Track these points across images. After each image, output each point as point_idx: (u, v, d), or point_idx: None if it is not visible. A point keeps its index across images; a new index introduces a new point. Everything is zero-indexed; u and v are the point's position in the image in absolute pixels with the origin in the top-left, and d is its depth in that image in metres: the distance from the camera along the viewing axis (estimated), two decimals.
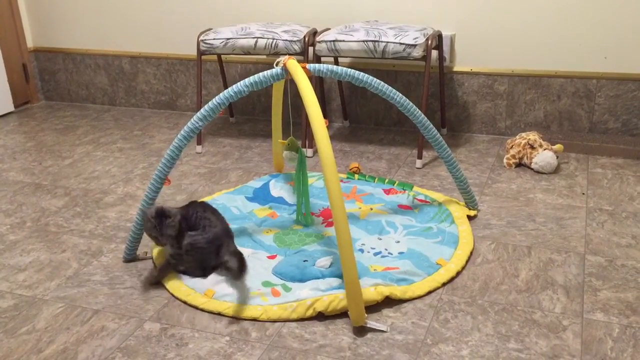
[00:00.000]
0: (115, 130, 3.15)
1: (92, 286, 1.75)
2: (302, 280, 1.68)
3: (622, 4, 2.55)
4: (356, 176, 2.41)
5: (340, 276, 1.65)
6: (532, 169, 2.47)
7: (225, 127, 3.14)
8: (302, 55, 2.65)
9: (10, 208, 2.27)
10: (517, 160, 2.50)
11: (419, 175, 2.46)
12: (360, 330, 1.51)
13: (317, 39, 2.57)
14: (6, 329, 1.56)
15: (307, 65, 1.72)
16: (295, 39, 2.62)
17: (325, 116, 1.74)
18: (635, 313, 1.55)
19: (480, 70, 2.83)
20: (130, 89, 3.52)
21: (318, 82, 2.87)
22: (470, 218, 2.07)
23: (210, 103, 1.72)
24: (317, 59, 2.63)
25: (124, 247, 1.89)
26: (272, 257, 1.82)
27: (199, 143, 2.82)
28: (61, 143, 2.98)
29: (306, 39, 2.64)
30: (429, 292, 1.67)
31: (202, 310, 1.61)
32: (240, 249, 1.75)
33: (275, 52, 2.65)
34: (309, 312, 1.56)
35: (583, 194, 2.25)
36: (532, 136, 2.48)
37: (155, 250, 1.88)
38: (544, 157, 2.42)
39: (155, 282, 1.74)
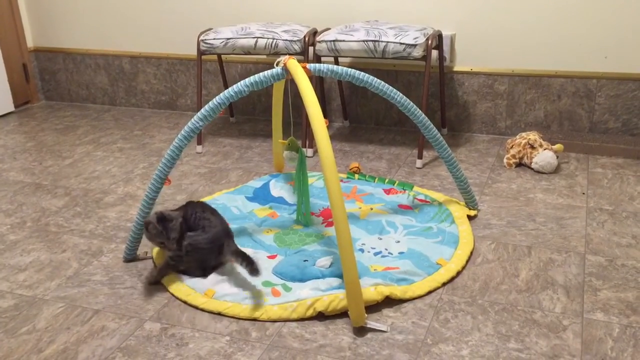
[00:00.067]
0: (115, 130, 3.16)
1: (92, 286, 1.75)
2: (302, 280, 1.68)
3: (622, 4, 2.55)
4: (356, 176, 2.41)
5: (340, 276, 1.65)
6: (532, 168, 2.47)
7: (225, 127, 3.14)
8: (303, 55, 2.65)
9: (11, 208, 2.27)
10: (518, 160, 2.50)
11: (419, 175, 2.46)
12: (361, 330, 1.51)
13: (317, 38, 2.57)
14: (6, 329, 1.56)
15: (308, 65, 1.72)
16: (295, 38, 2.62)
17: (325, 116, 1.74)
18: (636, 313, 1.55)
19: (481, 70, 2.83)
20: (131, 89, 3.52)
21: (318, 82, 2.87)
22: (470, 218, 2.07)
23: (210, 103, 1.72)
24: (318, 58, 2.63)
25: (124, 247, 1.89)
26: (272, 257, 1.82)
27: (199, 143, 2.82)
28: (61, 143, 2.98)
29: (306, 38, 2.64)
30: (429, 292, 1.67)
31: (203, 310, 1.61)
32: (241, 249, 1.75)
33: (275, 52, 2.65)
34: (309, 312, 1.57)
35: (583, 193, 2.25)
36: (533, 136, 2.48)
37: (155, 251, 1.88)
38: (544, 157, 2.42)
39: (155, 282, 1.74)
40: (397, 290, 1.62)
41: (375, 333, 1.50)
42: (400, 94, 1.87)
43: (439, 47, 2.70)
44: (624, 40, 2.60)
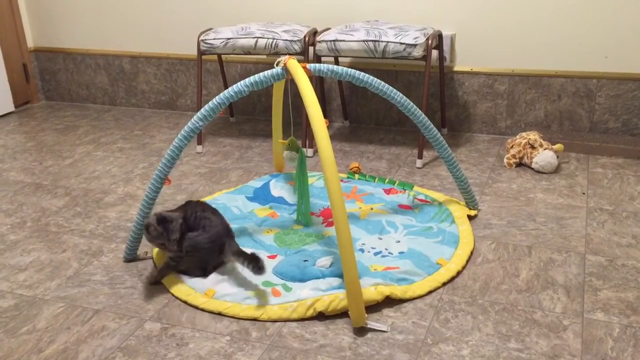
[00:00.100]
0: (115, 130, 3.16)
1: (92, 286, 1.75)
2: (302, 280, 1.68)
3: (622, 4, 2.55)
4: (356, 176, 2.41)
5: (340, 276, 1.65)
6: (532, 168, 2.47)
7: (225, 127, 3.14)
8: (303, 55, 2.65)
9: (11, 208, 2.27)
10: (518, 160, 2.50)
11: (419, 175, 2.46)
12: (361, 330, 1.51)
13: (318, 38, 2.57)
14: (7, 329, 1.56)
15: (308, 65, 1.72)
16: (295, 38, 2.62)
17: (325, 116, 1.74)
18: (636, 313, 1.55)
19: (481, 70, 2.83)
20: (131, 89, 3.52)
21: (318, 82, 2.87)
22: (470, 218, 2.07)
23: (210, 103, 1.72)
24: (318, 58, 2.63)
25: (125, 247, 1.89)
26: (272, 257, 1.82)
27: (199, 143, 2.82)
28: (61, 143, 2.98)
29: (306, 38, 2.64)
30: (430, 292, 1.67)
31: (203, 310, 1.61)
32: (242, 248, 1.74)
33: (275, 52, 2.65)
34: (310, 312, 1.57)
35: (583, 193, 2.25)
36: (533, 136, 2.48)
37: (155, 251, 1.88)
38: (545, 156, 2.42)
39: (155, 282, 1.74)
40: (398, 290, 1.62)
41: (375, 333, 1.50)
42: (400, 94, 1.87)
43: (439, 47, 2.70)
44: (624, 40, 2.60)
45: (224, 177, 2.50)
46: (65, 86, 3.67)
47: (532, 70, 2.76)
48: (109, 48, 3.49)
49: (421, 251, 1.82)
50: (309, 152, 2.68)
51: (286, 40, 2.62)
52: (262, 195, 2.25)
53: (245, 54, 2.70)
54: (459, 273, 1.75)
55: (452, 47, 2.83)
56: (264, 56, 3.10)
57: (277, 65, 1.73)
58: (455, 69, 2.86)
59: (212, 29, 2.79)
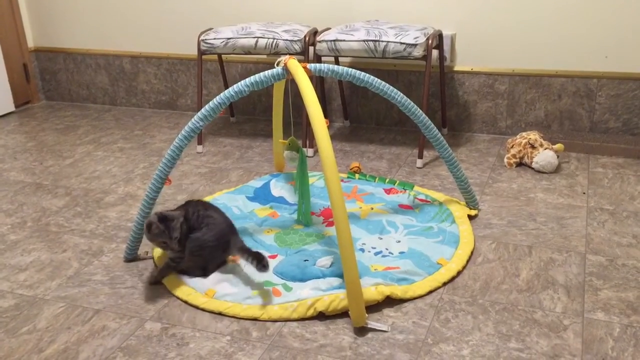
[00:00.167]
0: (116, 130, 3.16)
1: (93, 286, 1.75)
2: (302, 279, 1.68)
3: (622, 4, 2.55)
4: (357, 176, 2.41)
5: (341, 276, 1.65)
6: (532, 168, 2.47)
7: (225, 127, 3.14)
8: (303, 54, 2.65)
9: (11, 208, 2.27)
10: (518, 160, 2.50)
11: (419, 175, 2.46)
12: (361, 330, 1.51)
13: (318, 38, 2.57)
14: (7, 329, 1.56)
15: (308, 65, 1.72)
16: (295, 38, 2.62)
17: (325, 116, 1.74)
18: (636, 312, 1.55)
19: (481, 69, 2.83)
20: (131, 89, 3.52)
21: (319, 81, 2.87)
22: (470, 218, 2.07)
23: (210, 103, 1.72)
24: (318, 58, 2.63)
25: (125, 247, 1.89)
26: (272, 257, 1.82)
27: (199, 143, 2.82)
28: (62, 143, 2.98)
29: (307, 38, 2.64)
30: (430, 292, 1.67)
31: (203, 309, 1.61)
32: (246, 245, 1.74)
33: (275, 52, 2.65)
34: (310, 312, 1.57)
35: (584, 193, 2.25)
36: (533, 136, 2.48)
37: (157, 252, 1.88)
38: (545, 156, 2.42)
39: (156, 282, 1.74)
40: (398, 290, 1.62)
41: (375, 333, 1.50)
42: (401, 94, 1.87)
43: (440, 46, 2.70)
44: (624, 39, 2.60)
45: (225, 177, 2.50)
46: (66, 86, 3.67)
47: (532, 70, 2.76)
48: (109, 48, 3.49)
49: (421, 251, 1.82)
50: (310, 152, 2.68)
51: (286, 40, 2.62)
52: (262, 195, 2.25)
53: (246, 54, 2.70)
54: (459, 273, 1.75)
55: (452, 46, 2.83)
56: (265, 56, 3.10)
57: (277, 65, 1.73)
58: (456, 68, 2.86)
59: (212, 28, 2.79)
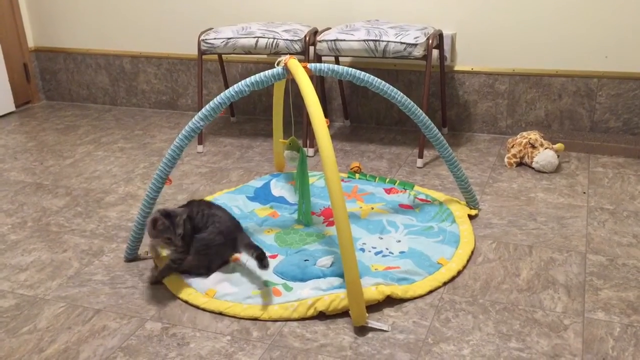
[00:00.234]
0: (116, 130, 3.16)
1: (93, 286, 1.75)
2: (303, 279, 1.68)
3: (622, 3, 2.55)
4: (357, 175, 2.41)
5: (341, 275, 1.65)
6: (533, 168, 2.47)
7: (226, 127, 3.14)
8: (303, 54, 2.65)
9: (12, 208, 2.27)
10: (518, 160, 2.50)
11: (419, 175, 2.46)
12: (362, 330, 1.51)
13: (318, 38, 2.57)
14: (8, 329, 1.56)
15: (308, 65, 1.72)
16: (296, 38, 2.62)
17: (326, 115, 1.74)
18: (637, 312, 1.55)
19: (481, 69, 2.83)
20: (131, 89, 3.52)
21: (319, 81, 2.87)
22: (471, 217, 2.07)
23: (211, 103, 1.72)
24: (318, 58, 2.63)
25: (125, 247, 1.89)
26: (273, 257, 1.82)
27: (200, 143, 2.82)
28: (62, 143, 2.98)
29: (307, 38, 2.64)
30: (430, 292, 1.67)
31: (204, 309, 1.61)
32: (253, 241, 1.74)
33: (276, 52, 2.65)
34: (310, 312, 1.57)
35: (584, 193, 2.25)
36: (533, 135, 2.48)
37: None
38: (545, 156, 2.42)
39: (156, 282, 1.74)
40: (398, 290, 1.62)
41: (376, 332, 1.50)
42: (401, 94, 1.87)
43: (440, 46, 2.70)
44: (624, 39, 2.60)
45: (225, 176, 2.50)
46: (66, 86, 3.67)
47: (532, 69, 2.76)
48: (109, 48, 3.49)
49: (422, 251, 1.82)
50: (310, 151, 2.68)
51: (287, 39, 2.62)
52: (262, 195, 2.25)
53: (246, 54, 2.70)
54: (459, 272, 1.75)
55: (452, 46, 2.83)
56: (265, 56, 3.10)
57: (277, 64, 1.73)
58: (456, 68, 2.86)
59: (212, 28, 2.79)
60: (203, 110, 1.72)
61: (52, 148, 2.91)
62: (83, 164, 2.69)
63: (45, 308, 1.65)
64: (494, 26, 2.75)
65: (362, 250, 1.85)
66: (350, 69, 1.79)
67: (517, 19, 2.71)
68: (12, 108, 3.50)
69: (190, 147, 2.83)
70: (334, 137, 2.92)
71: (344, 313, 1.57)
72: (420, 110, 1.91)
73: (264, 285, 1.67)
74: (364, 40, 2.48)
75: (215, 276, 1.72)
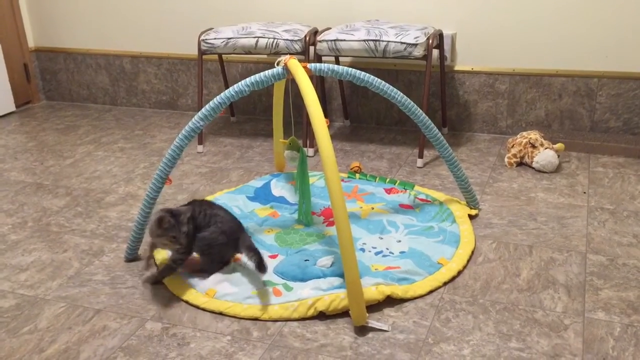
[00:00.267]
0: (116, 130, 3.16)
1: (93, 286, 1.75)
2: (303, 279, 1.68)
3: (622, 3, 2.55)
4: (357, 175, 2.41)
5: (341, 275, 1.65)
6: (533, 168, 2.47)
7: (226, 127, 3.14)
8: (303, 54, 2.65)
9: (12, 208, 2.27)
10: (518, 159, 2.50)
11: (420, 175, 2.46)
12: (362, 330, 1.51)
13: (318, 38, 2.57)
14: (8, 329, 1.56)
15: (308, 65, 1.72)
16: (296, 38, 2.62)
17: (326, 115, 1.74)
18: (637, 312, 1.55)
19: (481, 69, 2.83)
20: (132, 89, 3.53)
21: (319, 81, 2.87)
22: (471, 217, 2.07)
23: (211, 102, 1.72)
24: (318, 58, 2.63)
25: (126, 247, 1.89)
26: (273, 257, 1.82)
27: (200, 142, 2.82)
28: (62, 143, 2.98)
29: (307, 38, 2.64)
30: (430, 292, 1.67)
31: (204, 309, 1.62)
32: (254, 244, 1.74)
33: (276, 52, 2.65)
34: (310, 312, 1.57)
35: (584, 193, 2.25)
36: (534, 135, 2.48)
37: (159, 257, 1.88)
38: (545, 156, 2.42)
39: (156, 282, 1.74)
40: (398, 290, 1.62)
41: (376, 332, 1.50)
42: (401, 94, 1.87)
43: (440, 46, 2.70)
44: (624, 39, 2.60)
45: (225, 176, 2.50)
46: (66, 86, 3.67)
47: (532, 69, 2.76)
48: (109, 48, 3.49)
49: (422, 251, 1.82)
50: (310, 151, 2.68)
51: (287, 39, 2.62)
52: (263, 195, 2.25)
53: (246, 54, 2.70)
54: (459, 272, 1.75)
55: (452, 46, 2.82)
56: (265, 56, 3.10)
57: (277, 64, 1.73)
58: (456, 68, 2.86)
59: (212, 28, 2.79)
60: (203, 110, 1.72)
61: (52, 148, 2.91)
62: (83, 164, 2.69)
63: (45, 308, 1.65)
64: (494, 26, 2.75)
65: (363, 250, 1.85)
66: (350, 69, 1.79)
67: (517, 19, 2.70)
68: (13, 108, 3.50)
69: (191, 147, 2.83)
70: (334, 137, 2.92)
71: (344, 313, 1.57)
72: (421, 110, 1.91)
73: (264, 285, 1.67)
74: (364, 40, 2.48)
75: (216, 276, 1.71)
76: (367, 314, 1.52)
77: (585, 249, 1.86)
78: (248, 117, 3.29)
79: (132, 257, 1.87)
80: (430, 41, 2.48)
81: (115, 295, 1.70)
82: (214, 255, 1.71)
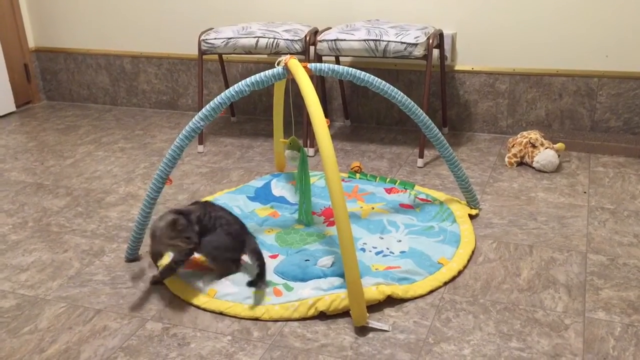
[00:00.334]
0: (116, 130, 3.16)
1: (94, 286, 1.75)
2: (303, 279, 1.68)
3: (622, 3, 2.55)
4: (357, 175, 2.41)
5: (342, 275, 1.65)
6: (533, 167, 2.47)
7: (226, 127, 3.14)
8: (303, 54, 2.65)
9: (12, 208, 2.27)
10: (519, 159, 2.50)
11: (420, 174, 2.46)
12: (362, 330, 1.51)
13: (318, 38, 2.57)
14: (9, 329, 1.56)
15: (309, 65, 1.72)
16: (296, 38, 2.62)
17: (326, 115, 1.74)
18: (637, 312, 1.55)
19: (482, 69, 2.83)
20: (132, 89, 3.53)
21: (319, 81, 2.87)
22: (471, 217, 2.07)
23: (211, 103, 1.72)
24: (319, 58, 2.63)
25: (126, 247, 1.89)
26: (273, 257, 1.82)
27: (200, 142, 2.82)
28: (63, 143, 2.98)
29: (307, 38, 2.64)
30: (431, 291, 1.67)
31: (204, 309, 1.62)
32: (259, 248, 1.73)
33: (276, 52, 2.65)
34: (311, 312, 1.57)
35: (585, 192, 2.25)
36: (534, 135, 2.48)
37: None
38: (546, 155, 2.42)
39: (156, 282, 1.74)
40: (399, 290, 1.62)
41: (376, 332, 1.50)
42: (401, 93, 1.87)
43: (440, 46, 2.70)
44: (625, 39, 2.60)
45: (225, 176, 2.50)
46: (67, 86, 3.67)
47: (533, 69, 2.76)
48: (109, 48, 3.49)
49: (422, 250, 1.82)
50: (310, 151, 2.68)
51: (287, 39, 2.62)
52: (263, 195, 2.25)
53: (246, 54, 2.70)
54: (460, 272, 1.75)
55: (453, 46, 2.82)
56: (265, 56, 3.10)
57: (278, 64, 1.73)
58: (456, 68, 2.86)
59: (212, 28, 2.79)
60: (203, 110, 1.72)
61: (52, 148, 2.91)
62: (84, 164, 2.69)
63: (46, 308, 1.65)
64: (495, 26, 2.75)
65: (363, 250, 1.85)
66: (351, 68, 1.79)
67: (517, 19, 2.70)
68: (13, 108, 3.50)
69: (191, 147, 2.83)
70: (334, 137, 2.92)
71: (344, 313, 1.57)
72: (421, 110, 1.91)
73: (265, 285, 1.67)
74: (365, 40, 2.48)
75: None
76: (368, 314, 1.52)
77: (585, 248, 1.86)
78: (248, 117, 3.29)
79: (132, 257, 1.87)
80: (431, 41, 2.48)
81: (115, 296, 1.70)
82: (224, 258, 1.70)
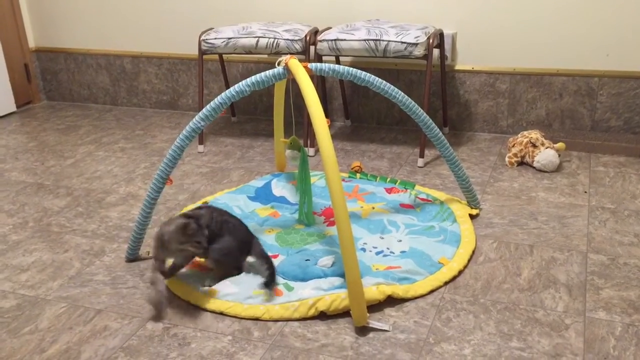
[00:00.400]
0: (117, 130, 3.16)
1: (94, 286, 1.75)
2: (304, 279, 1.68)
3: (623, 3, 2.55)
4: (358, 175, 2.41)
5: (342, 275, 1.65)
6: (534, 167, 2.47)
7: (227, 127, 3.14)
8: (304, 54, 2.65)
9: (13, 208, 2.27)
10: (519, 159, 2.50)
11: (420, 174, 2.46)
12: (363, 330, 1.51)
13: (319, 38, 2.57)
14: (9, 329, 1.56)
15: (309, 65, 1.72)
16: (296, 38, 2.62)
17: (327, 115, 1.73)
18: (638, 311, 1.55)
19: (482, 68, 2.83)
20: (132, 89, 3.53)
21: (320, 81, 2.87)
22: (472, 217, 2.07)
23: (212, 103, 1.72)
24: (319, 58, 2.62)
25: (126, 247, 1.89)
26: (274, 257, 1.82)
27: (200, 142, 2.82)
28: (63, 143, 2.98)
29: (307, 38, 2.63)
30: (431, 291, 1.67)
31: (205, 309, 1.62)
32: (266, 252, 1.73)
33: (276, 52, 2.65)
34: (311, 312, 1.57)
35: (585, 192, 2.25)
36: (534, 134, 2.48)
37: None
38: (546, 155, 2.42)
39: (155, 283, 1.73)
40: (399, 290, 1.62)
41: (377, 332, 1.50)
42: (402, 93, 1.86)
43: (441, 45, 2.69)
44: (625, 38, 2.59)
45: (226, 176, 2.50)
46: (67, 86, 3.67)
47: (533, 68, 2.75)
48: (110, 48, 3.49)
49: (423, 250, 1.82)
50: (311, 151, 2.68)
51: (287, 39, 2.62)
52: (263, 195, 2.25)
53: (247, 54, 2.70)
54: (460, 272, 1.75)
55: (453, 46, 2.82)
56: (265, 56, 3.10)
57: (278, 64, 1.73)
58: (457, 67, 2.86)
59: (213, 28, 2.79)
60: (204, 110, 1.72)
61: (53, 148, 2.91)
62: (84, 164, 2.69)
63: (46, 308, 1.65)
64: (495, 25, 2.75)
65: (363, 250, 1.85)
66: (351, 68, 1.79)
67: (517, 19, 2.70)
68: (13, 108, 3.50)
69: (191, 147, 2.83)
70: (334, 136, 2.92)
71: (345, 313, 1.57)
72: (421, 110, 1.91)
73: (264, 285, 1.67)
74: (365, 40, 2.48)
75: None
76: (368, 314, 1.52)
77: (586, 248, 1.86)
78: (249, 117, 3.29)
79: (133, 257, 1.87)
80: (431, 41, 2.48)
81: (116, 296, 1.70)
82: (230, 264, 1.70)
